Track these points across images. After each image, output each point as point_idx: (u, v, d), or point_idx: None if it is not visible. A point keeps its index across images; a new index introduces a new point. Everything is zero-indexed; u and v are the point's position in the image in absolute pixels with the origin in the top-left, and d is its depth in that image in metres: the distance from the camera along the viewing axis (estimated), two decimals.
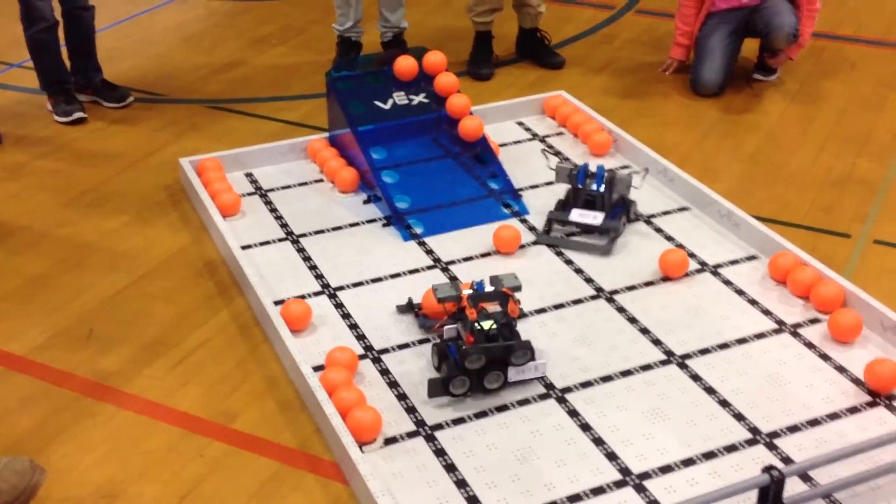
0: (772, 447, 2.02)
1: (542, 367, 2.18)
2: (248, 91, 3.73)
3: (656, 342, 2.32)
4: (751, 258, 2.63)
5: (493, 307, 2.17)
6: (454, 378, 2.11)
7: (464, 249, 2.68)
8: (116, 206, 2.97)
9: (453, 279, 2.51)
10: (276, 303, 2.41)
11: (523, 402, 2.14)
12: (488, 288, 2.20)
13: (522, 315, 2.38)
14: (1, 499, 1.84)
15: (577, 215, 2.69)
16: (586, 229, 2.68)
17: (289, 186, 3.00)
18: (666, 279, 2.54)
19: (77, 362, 2.33)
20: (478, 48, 3.85)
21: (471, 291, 2.18)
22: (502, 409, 2.13)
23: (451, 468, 1.98)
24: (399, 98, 3.05)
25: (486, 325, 2.12)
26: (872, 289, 2.41)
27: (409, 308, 2.40)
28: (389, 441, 2.05)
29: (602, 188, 2.69)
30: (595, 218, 2.68)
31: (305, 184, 3.01)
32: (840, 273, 2.48)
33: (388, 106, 3.02)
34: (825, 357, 2.27)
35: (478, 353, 2.09)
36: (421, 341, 2.33)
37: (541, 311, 2.42)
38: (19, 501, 1.86)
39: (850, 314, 2.31)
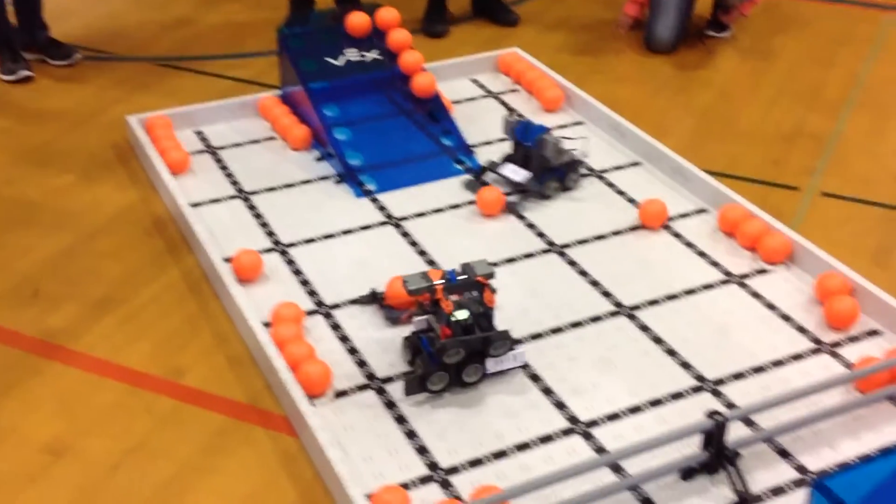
0: (717, 394, 2.05)
1: (521, 357, 2.09)
2: (199, 49, 3.67)
3: (606, 294, 2.34)
4: (701, 211, 2.65)
5: (465, 295, 2.05)
6: (432, 374, 2.01)
7: (417, 206, 2.67)
8: (63, 165, 2.91)
9: (431, 263, 2.43)
10: (226, 260, 2.39)
11: None
12: (460, 277, 2.06)
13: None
14: None
15: (508, 170, 2.69)
16: (514, 184, 2.68)
17: (240, 144, 2.96)
18: (616, 233, 2.56)
19: (24, 321, 2.30)
20: (432, 5, 3.82)
21: (443, 281, 2.03)
22: None
23: (401, 420, 1.99)
24: (351, 55, 3.02)
25: (461, 316, 2.01)
26: (819, 239, 2.44)
27: (372, 299, 2.27)
28: (340, 394, 2.05)
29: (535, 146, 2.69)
30: (519, 175, 2.67)
31: (257, 141, 2.98)
32: (788, 224, 2.51)
33: (340, 63, 2.99)
34: (771, 307, 2.30)
35: (456, 347, 1.98)
36: None
37: (492, 264, 2.42)
38: None
39: (848, 300, 2.24)
